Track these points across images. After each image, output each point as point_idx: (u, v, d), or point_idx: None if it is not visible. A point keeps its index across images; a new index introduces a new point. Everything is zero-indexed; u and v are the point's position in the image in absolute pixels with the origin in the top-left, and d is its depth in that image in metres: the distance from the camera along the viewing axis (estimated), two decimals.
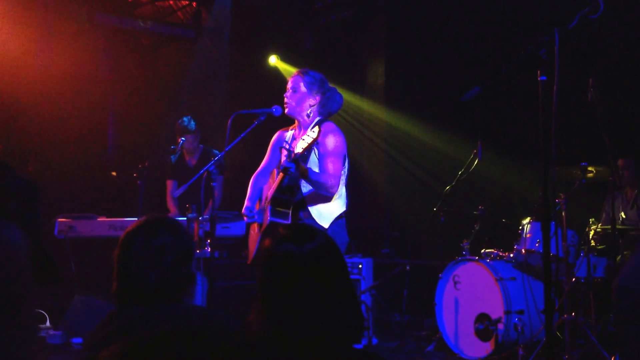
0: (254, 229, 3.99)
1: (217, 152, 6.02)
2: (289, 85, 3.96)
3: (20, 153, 6.79)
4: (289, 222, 3.72)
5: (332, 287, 1.67)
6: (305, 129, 3.85)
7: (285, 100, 3.95)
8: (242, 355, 1.56)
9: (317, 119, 3.92)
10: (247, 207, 3.95)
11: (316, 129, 3.73)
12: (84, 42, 7.28)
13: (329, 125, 3.88)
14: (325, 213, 3.80)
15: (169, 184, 6.29)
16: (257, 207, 4.00)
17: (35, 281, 1.73)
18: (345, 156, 3.90)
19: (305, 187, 3.80)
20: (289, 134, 4.06)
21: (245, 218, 3.96)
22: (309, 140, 3.57)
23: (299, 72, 3.98)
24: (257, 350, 1.57)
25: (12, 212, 1.78)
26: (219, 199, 5.96)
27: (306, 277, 1.65)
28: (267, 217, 3.78)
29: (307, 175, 3.62)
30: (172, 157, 5.91)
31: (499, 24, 6.74)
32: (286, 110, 3.95)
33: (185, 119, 6.03)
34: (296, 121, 4.01)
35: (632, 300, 3.18)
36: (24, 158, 6.77)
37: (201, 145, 6.20)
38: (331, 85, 4.01)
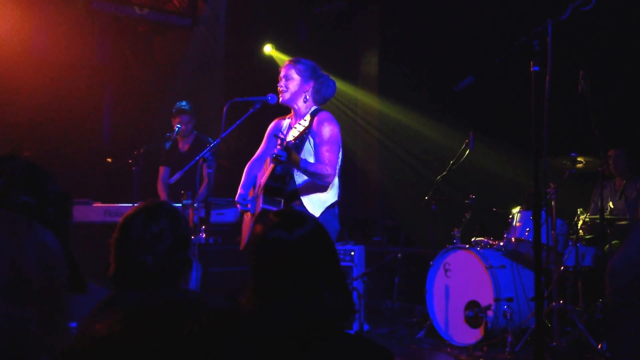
0: (247, 215, 4.03)
1: (210, 139, 6.05)
2: (282, 74, 3.99)
3: (17, 139, 6.81)
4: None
5: (322, 272, 1.70)
6: (301, 117, 3.90)
7: (279, 89, 3.98)
8: (231, 326, 1.61)
9: (313, 107, 3.97)
10: (240, 195, 3.98)
11: (308, 117, 3.79)
12: (81, 29, 7.28)
13: (324, 114, 3.91)
14: (317, 202, 3.84)
15: (162, 170, 6.32)
16: (250, 194, 4.05)
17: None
18: (340, 145, 3.94)
19: (299, 178, 3.83)
20: (285, 123, 4.10)
21: (238, 206, 4.00)
22: (301, 128, 3.65)
23: (290, 61, 4.01)
24: (248, 326, 1.62)
25: (49, 217, 1.82)
26: (211, 186, 5.99)
27: (296, 262, 1.68)
28: (260, 204, 3.82)
29: (299, 164, 3.65)
30: (166, 143, 5.94)
31: (493, 15, 6.78)
32: (280, 100, 3.99)
33: (182, 102, 6.12)
34: (292, 110, 4.05)
35: (622, 283, 3.25)
36: (20, 144, 6.79)
37: (194, 132, 6.23)
38: (324, 73, 4.06)
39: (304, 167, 3.68)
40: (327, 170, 3.76)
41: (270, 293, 1.68)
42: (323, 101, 4.03)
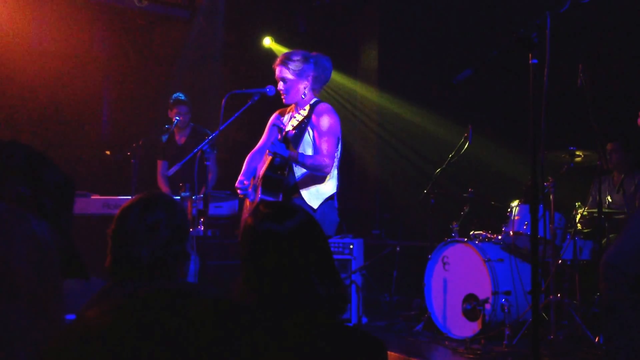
0: (247, 207, 4.04)
1: (207, 130, 6.02)
2: (277, 76, 3.97)
3: (14, 131, 6.79)
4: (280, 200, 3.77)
5: (313, 263, 1.70)
6: (302, 108, 3.92)
7: (281, 92, 3.97)
8: (227, 315, 1.61)
9: (313, 100, 3.97)
10: (240, 181, 3.98)
11: (307, 107, 3.79)
12: (79, 21, 7.26)
13: (324, 106, 3.91)
14: (316, 194, 3.85)
15: (160, 164, 6.27)
16: (250, 183, 4.06)
17: (62, 276, 1.76)
18: (339, 137, 3.94)
19: (299, 170, 3.84)
20: (287, 115, 4.11)
21: (238, 191, 4.00)
22: (300, 118, 3.67)
23: (280, 62, 3.94)
24: (243, 314, 1.62)
25: (45, 208, 1.80)
26: (214, 177, 5.99)
27: (287, 254, 1.68)
28: (259, 195, 3.83)
29: (297, 158, 3.67)
30: (163, 136, 5.90)
31: (492, 7, 6.77)
32: (284, 102, 4.01)
33: (178, 93, 6.08)
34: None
35: (616, 277, 3.25)
36: (17, 135, 6.78)
37: (191, 123, 6.20)
38: (315, 55, 4.04)
39: (302, 161, 3.70)
40: (325, 161, 3.77)
41: (262, 285, 1.68)
42: (324, 84, 4.03)
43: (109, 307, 1.30)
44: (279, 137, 3.74)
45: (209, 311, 1.58)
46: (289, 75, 3.92)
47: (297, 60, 3.93)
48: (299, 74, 3.92)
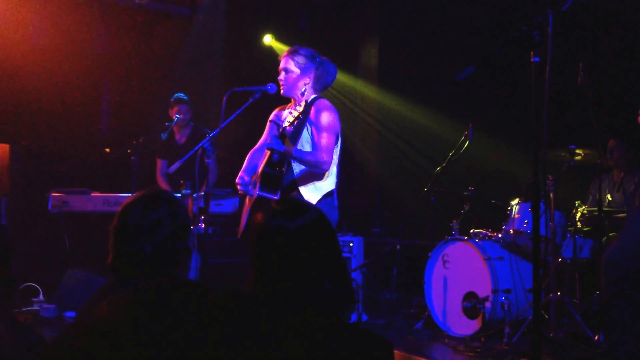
0: (247, 204, 4.04)
1: (207, 130, 6.03)
2: (281, 66, 3.99)
3: (14, 128, 6.79)
4: (277, 197, 3.77)
5: (322, 261, 1.70)
6: (300, 105, 3.92)
7: (281, 83, 3.99)
8: (236, 308, 1.61)
9: (313, 96, 3.97)
10: (241, 177, 3.99)
11: (303, 103, 3.79)
12: (79, 18, 7.26)
13: (323, 102, 3.91)
14: (314, 190, 3.85)
15: (159, 162, 6.27)
16: (251, 180, 4.06)
17: None
18: (338, 134, 3.94)
19: (297, 168, 3.84)
20: (285, 112, 4.11)
21: (238, 187, 4.00)
22: (296, 114, 3.67)
23: (288, 53, 4.01)
24: (250, 307, 1.62)
25: None
26: (215, 175, 5.99)
27: (297, 251, 1.68)
28: (257, 191, 3.83)
29: (294, 154, 3.67)
30: (162, 134, 5.91)
31: (494, 5, 6.76)
32: (282, 93, 4.00)
33: (179, 93, 6.09)
34: (292, 100, 4.05)
35: (618, 274, 3.26)
36: (18, 133, 6.78)
37: (191, 123, 6.20)
38: (323, 58, 4.05)
39: (299, 157, 3.70)
40: (323, 157, 3.76)
41: (270, 282, 1.68)
42: (324, 88, 4.03)
43: (120, 302, 1.30)
44: (277, 133, 3.75)
45: (221, 304, 1.58)
46: (292, 67, 3.94)
47: (304, 55, 3.95)
48: (302, 69, 3.94)
